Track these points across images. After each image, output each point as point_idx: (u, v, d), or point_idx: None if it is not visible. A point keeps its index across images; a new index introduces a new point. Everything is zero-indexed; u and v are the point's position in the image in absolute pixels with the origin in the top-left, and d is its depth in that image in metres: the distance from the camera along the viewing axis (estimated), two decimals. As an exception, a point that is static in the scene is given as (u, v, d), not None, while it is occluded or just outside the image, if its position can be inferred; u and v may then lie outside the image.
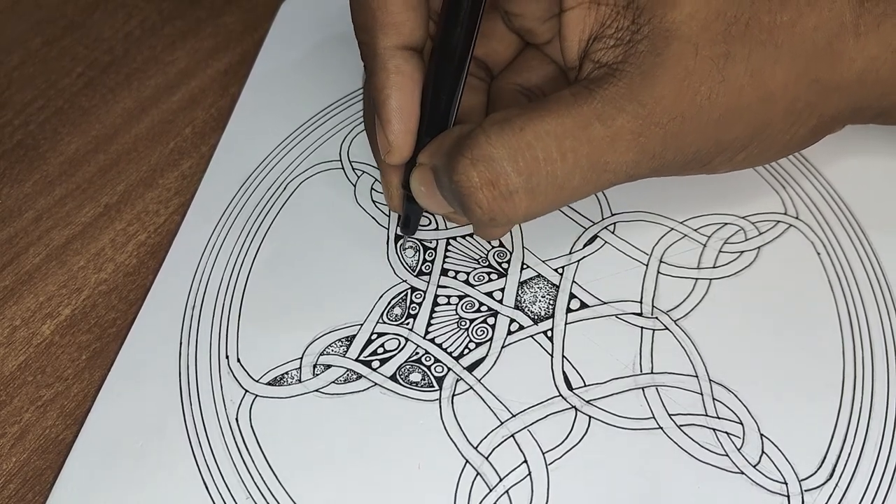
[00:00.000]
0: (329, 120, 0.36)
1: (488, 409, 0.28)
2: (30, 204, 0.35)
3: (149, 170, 0.36)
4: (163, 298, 0.31)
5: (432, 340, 0.30)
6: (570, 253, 0.32)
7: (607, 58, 0.26)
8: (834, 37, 0.26)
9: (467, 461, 0.27)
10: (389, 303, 0.31)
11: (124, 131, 0.37)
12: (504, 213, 0.25)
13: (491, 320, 0.30)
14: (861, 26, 0.26)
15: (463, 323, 0.30)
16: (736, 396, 0.28)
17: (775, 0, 0.25)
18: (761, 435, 0.27)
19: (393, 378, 0.29)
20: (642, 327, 0.30)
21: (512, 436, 0.28)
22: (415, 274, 0.32)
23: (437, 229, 0.33)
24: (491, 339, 0.30)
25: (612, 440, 0.28)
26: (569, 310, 0.30)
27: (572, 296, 0.31)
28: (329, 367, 0.30)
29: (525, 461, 0.27)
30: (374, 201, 0.34)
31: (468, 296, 0.31)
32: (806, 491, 0.26)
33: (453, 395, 0.29)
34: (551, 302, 0.31)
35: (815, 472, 0.27)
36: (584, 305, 0.31)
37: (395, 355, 0.30)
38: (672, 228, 0.32)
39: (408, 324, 0.30)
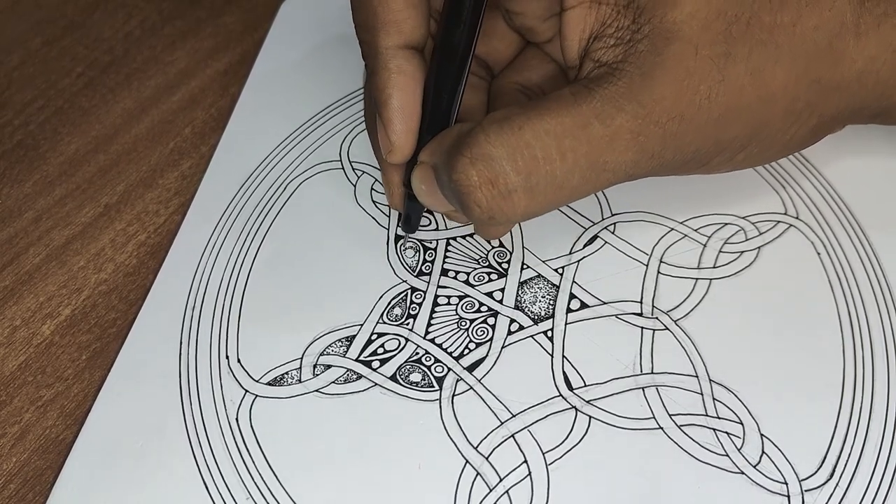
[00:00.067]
0: (329, 120, 0.36)
1: (488, 409, 0.28)
2: (30, 204, 0.35)
3: (149, 170, 0.36)
4: (163, 298, 0.31)
5: (432, 340, 0.30)
6: (571, 253, 0.32)
7: (607, 57, 0.25)
8: (834, 37, 0.26)
9: (467, 461, 0.27)
10: (389, 303, 0.31)
11: (124, 131, 0.37)
12: (503, 212, 0.25)
13: (491, 320, 0.30)
14: (861, 26, 0.26)
15: (463, 323, 0.30)
16: (736, 396, 0.28)
17: (776, 0, 0.25)
18: (761, 435, 0.27)
19: (393, 378, 0.29)
20: (642, 327, 0.30)
21: (512, 436, 0.28)
22: (415, 274, 0.32)
23: (437, 229, 0.33)
24: (491, 339, 0.30)
25: (613, 440, 0.28)
26: (569, 310, 0.30)
27: (572, 296, 0.31)
28: (329, 367, 0.30)
29: (525, 461, 0.27)
30: (374, 201, 0.34)
31: (468, 296, 0.31)
32: (806, 491, 0.26)
33: (453, 395, 0.29)
34: (551, 302, 0.31)
35: (816, 472, 0.27)
36: (584, 305, 0.31)
37: (395, 355, 0.30)
38: (672, 228, 0.32)
39: (408, 324, 0.30)
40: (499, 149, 0.25)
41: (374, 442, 0.28)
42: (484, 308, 0.31)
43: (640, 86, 0.25)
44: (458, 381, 0.29)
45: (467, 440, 0.28)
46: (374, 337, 0.30)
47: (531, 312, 0.30)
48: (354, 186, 0.34)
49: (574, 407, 0.28)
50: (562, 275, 0.31)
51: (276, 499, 0.27)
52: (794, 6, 0.25)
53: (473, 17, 0.27)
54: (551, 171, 0.25)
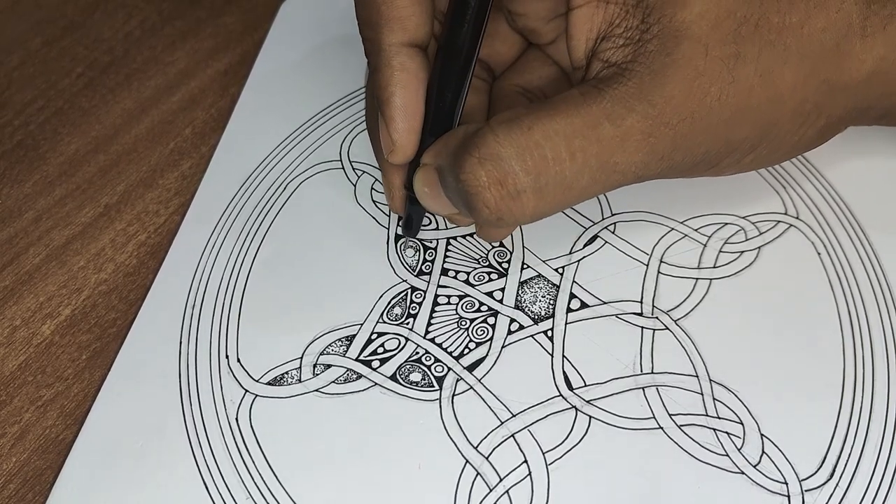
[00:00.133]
0: (329, 120, 0.36)
1: (488, 409, 0.28)
2: (30, 204, 0.35)
3: (149, 170, 0.36)
4: (163, 298, 0.31)
5: (432, 340, 0.30)
6: (571, 253, 0.32)
7: (616, 57, 0.25)
8: (842, 38, 0.26)
9: (467, 461, 0.27)
10: (389, 302, 0.31)
11: (124, 132, 0.37)
12: (512, 212, 0.25)
13: (491, 320, 0.30)
14: (868, 28, 0.26)
15: (463, 323, 0.30)
16: (736, 396, 0.28)
17: (784, 1, 0.25)
18: (761, 435, 0.27)
19: (393, 378, 0.29)
20: (642, 327, 0.30)
21: (512, 436, 0.28)
22: (415, 274, 0.32)
23: (437, 229, 0.33)
24: (491, 338, 0.30)
25: (613, 440, 0.28)
26: (569, 310, 0.30)
27: (572, 296, 0.31)
28: (329, 366, 0.30)
29: (525, 461, 0.27)
30: (374, 201, 0.34)
31: (468, 295, 0.31)
32: (806, 491, 0.26)
33: (453, 395, 0.29)
34: (551, 302, 0.31)
35: (816, 472, 0.27)
36: (584, 305, 0.31)
37: (395, 355, 0.30)
38: (672, 228, 0.32)
39: (408, 323, 0.30)
40: (508, 149, 0.24)
41: (374, 442, 0.28)
42: (484, 308, 0.31)
43: (651, 86, 0.24)
44: (458, 380, 0.29)
45: (467, 440, 0.28)
46: (374, 336, 0.30)
47: (531, 312, 0.30)
48: (354, 186, 0.34)
49: (574, 407, 0.28)
50: (562, 274, 0.31)
51: (275, 499, 0.27)
52: (801, 7, 0.25)
53: (478, 18, 0.26)
54: (561, 172, 0.25)
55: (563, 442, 0.28)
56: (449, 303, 0.31)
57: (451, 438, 0.28)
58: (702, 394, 0.28)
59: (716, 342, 0.29)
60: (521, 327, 0.30)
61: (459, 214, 0.28)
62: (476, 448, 0.28)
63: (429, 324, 0.30)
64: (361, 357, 0.30)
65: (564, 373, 0.29)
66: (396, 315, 0.31)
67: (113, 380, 0.30)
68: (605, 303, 0.31)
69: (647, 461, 0.27)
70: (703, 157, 0.26)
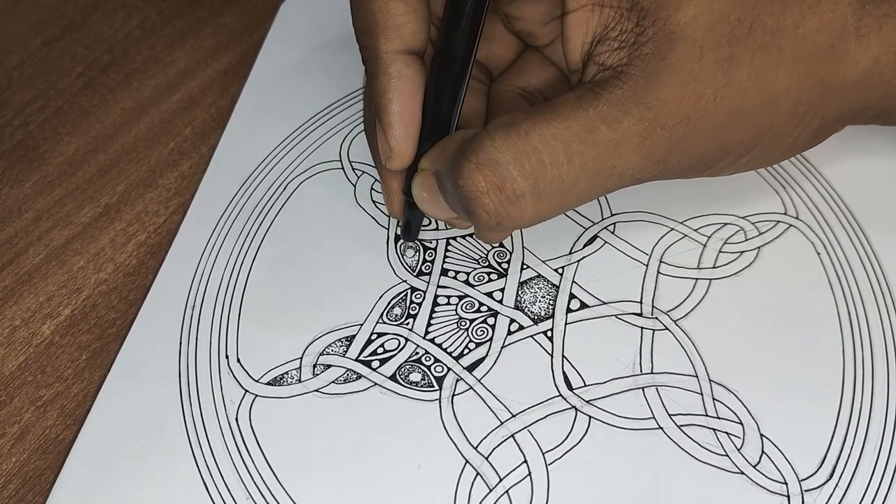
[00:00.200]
0: (329, 120, 0.36)
1: (488, 409, 0.28)
2: (30, 204, 0.35)
3: (149, 170, 0.36)
4: (163, 298, 0.31)
5: (432, 340, 0.30)
6: (570, 253, 0.32)
7: (611, 60, 0.25)
8: (836, 39, 0.26)
9: (467, 461, 0.27)
10: (389, 303, 0.31)
11: (124, 131, 0.37)
12: (510, 217, 0.25)
13: (491, 320, 0.30)
14: (863, 28, 0.26)
15: (463, 323, 0.30)
16: (736, 396, 0.28)
17: (777, 3, 0.25)
18: (761, 435, 0.27)
19: (393, 378, 0.29)
20: (642, 327, 0.30)
21: (512, 436, 0.28)
22: (415, 274, 0.32)
23: (436, 229, 0.33)
24: (491, 339, 0.30)
25: (612, 440, 0.28)
26: (569, 310, 0.30)
27: (572, 296, 0.31)
28: (329, 367, 0.30)
29: (525, 461, 0.27)
30: (374, 201, 0.34)
31: (468, 296, 0.31)
32: (806, 491, 0.26)
33: (453, 395, 0.29)
34: (551, 302, 0.31)
35: (815, 472, 0.27)
36: (584, 305, 0.31)
37: (394, 355, 0.30)
38: (672, 228, 0.32)
39: (408, 324, 0.30)
40: (506, 154, 0.24)
41: (373, 442, 0.28)
42: (484, 308, 0.31)
43: (646, 89, 0.25)
44: (457, 380, 0.29)
45: (467, 440, 0.28)
46: (373, 337, 0.30)
47: (531, 312, 0.30)
48: (354, 186, 0.34)
49: (574, 407, 0.28)
50: (562, 275, 0.31)
51: (275, 499, 0.27)
52: (795, 9, 0.25)
53: (474, 23, 0.26)
54: (559, 176, 0.25)
55: (562, 442, 0.28)
56: (449, 303, 0.31)
57: (450, 438, 0.28)
58: (701, 394, 0.28)
59: (715, 342, 0.29)
60: (521, 327, 0.30)
61: (458, 218, 0.28)
62: (476, 448, 0.28)
63: (428, 324, 0.30)
64: (361, 357, 0.30)
65: (564, 373, 0.29)
66: (396, 315, 0.31)
67: (113, 380, 0.30)
68: (604, 303, 0.31)
69: (646, 461, 0.27)
70: (698, 160, 0.26)
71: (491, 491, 0.27)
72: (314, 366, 0.30)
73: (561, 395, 0.29)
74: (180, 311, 0.31)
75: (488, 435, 0.28)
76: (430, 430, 0.28)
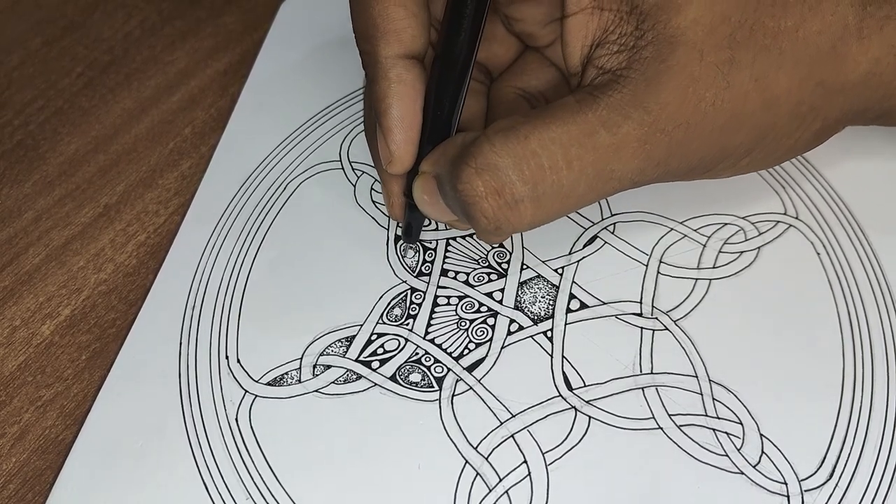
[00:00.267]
0: (329, 120, 0.36)
1: (488, 410, 0.28)
2: (30, 204, 0.35)
3: (149, 170, 0.36)
4: (163, 298, 0.31)
5: (432, 341, 0.30)
6: (570, 253, 0.32)
7: (611, 64, 0.25)
8: (837, 40, 0.26)
9: (467, 461, 0.27)
10: (389, 303, 0.31)
11: (124, 131, 0.37)
12: (509, 221, 0.25)
13: (491, 321, 0.30)
14: (864, 30, 0.26)
15: (463, 323, 0.30)
16: (736, 396, 0.28)
17: (778, 5, 0.25)
18: (761, 435, 0.27)
19: (393, 378, 0.29)
20: (642, 327, 0.30)
21: (512, 436, 0.28)
22: (414, 274, 0.32)
23: (436, 229, 0.33)
24: (491, 339, 0.30)
25: (612, 440, 0.28)
26: (569, 310, 0.30)
27: (572, 296, 0.31)
28: (329, 367, 0.30)
29: (525, 461, 0.27)
30: (374, 202, 0.34)
31: (468, 296, 0.31)
32: (806, 491, 0.26)
33: (453, 396, 0.29)
34: (551, 302, 0.31)
35: (815, 472, 0.27)
36: (583, 306, 0.31)
37: (394, 356, 0.30)
38: (672, 229, 0.32)
39: (408, 324, 0.30)
40: (504, 158, 0.24)
41: (373, 442, 0.28)
42: (484, 308, 0.31)
43: (646, 92, 0.24)
44: (457, 381, 0.29)
45: (467, 440, 0.28)
46: (373, 337, 0.30)
47: (531, 313, 0.30)
48: (354, 186, 0.34)
49: (574, 407, 0.28)
50: (561, 275, 0.31)
51: (275, 499, 0.27)
52: (797, 11, 0.25)
53: (474, 26, 0.26)
54: (558, 181, 0.25)
55: (562, 442, 0.28)
56: (448, 303, 0.31)
57: (450, 439, 0.28)
58: (701, 394, 0.28)
59: (715, 342, 0.29)
60: (521, 328, 0.30)
61: (459, 221, 0.28)
62: (476, 448, 0.28)
63: (428, 324, 0.30)
64: (361, 358, 0.30)
65: (564, 373, 0.29)
66: (396, 316, 0.31)
67: (113, 380, 0.30)
68: (604, 303, 0.31)
69: (646, 461, 0.27)
70: (699, 163, 0.26)
71: (491, 491, 0.27)
72: (314, 366, 0.30)
73: (561, 395, 0.29)
74: (180, 311, 0.31)
75: (488, 435, 0.28)
76: (429, 430, 0.28)
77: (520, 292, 0.31)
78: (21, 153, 0.36)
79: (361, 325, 0.30)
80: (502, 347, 0.30)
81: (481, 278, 0.31)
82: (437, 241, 0.32)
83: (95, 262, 0.33)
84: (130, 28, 0.41)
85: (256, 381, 0.29)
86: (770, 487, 0.27)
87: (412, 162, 0.28)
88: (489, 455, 0.27)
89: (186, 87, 0.38)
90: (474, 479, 0.27)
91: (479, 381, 0.29)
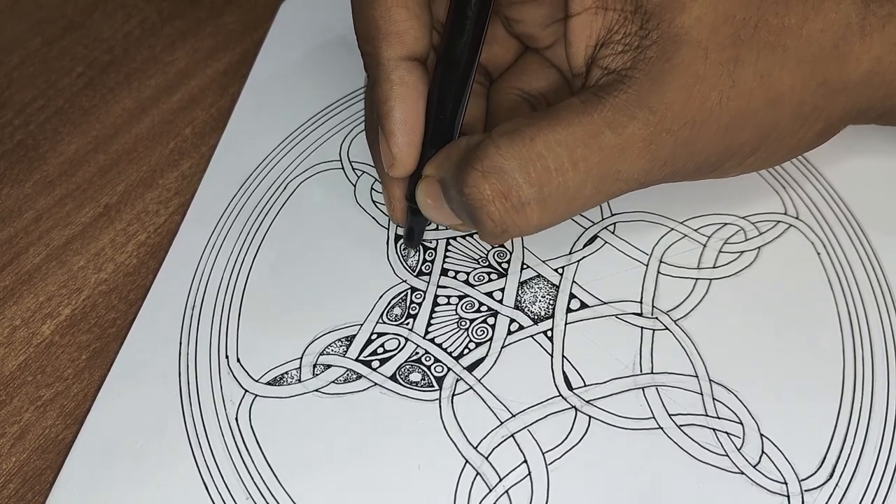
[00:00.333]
0: (329, 120, 0.36)
1: (488, 409, 0.28)
2: (30, 204, 0.35)
3: (149, 170, 0.36)
4: (163, 298, 0.31)
5: (432, 340, 0.30)
6: (570, 253, 0.32)
7: (616, 64, 0.25)
8: (840, 38, 0.26)
9: (467, 461, 0.27)
10: (389, 303, 0.31)
11: (124, 131, 0.37)
12: (516, 224, 0.25)
13: (491, 320, 0.30)
14: (866, 28, 0.26)
15: (463, 323, 0.30)
16: (736, 396, 0.28)
17: (781, 3, 0.25)
18: (761, 435, 0.27)
19: (393, 378, 0.29)
20: (642, 327, 0.30)
21: (512, 436, 0.28)
22: (415, 274, 0.32)
23: (437, 229, 0.33)
24: (491, 339, 0.30)
25: (612, 440, 0.28)
26: (569, 310, 0.30)
27: (572, 296, 0.31)
28: (329, 366, 0.30)
29: (525, 461, 0.27)
30: (374, 201, 0.34)
31: (468, 296, 0.31)
32: (806, 491, 0.26)
33: (453, 395, 0.29)
34: (551, 302, 0.31)
35: (815, 472, 0.27)
36: (584, 305, 0.31)
37: (394, 355, 0.30)
38: (672, 228, 0.32)
39: (408, 324, 0.30)
40: (510, 161, 0.24)
41: (373, 442, 0.28)
42: (484, 308, 0.31)
43: (651, 92, 0.24)
44: (457, 380, 0.29)
45: (467, 440, 0.28)
46: (373, 337, 0.30)
47: (531, 312, 0.30)
48: (354, 186, 0.34)
49: (574, 407, 0.28)
50: (562, 275, 0.31)
51: (275, 499, 0.27)
52: (799, 9, 0.25)
53: (477, 28, 0.26)
54: (564, 182, 0.24)
55: (562, 442, 0.28)
56: (449, 303, 0.31)
57: (450, 438, 0.28)
58: (701, 394, 0.28)
59: (715, 342, 0.29)
60: (521, 327, 0.30)
61: (463, 224, 0.28)
62: (476, 448, 0.28)
63: (428, 324, 0.30)
64: (361, 357, 0.30)
65: (564, 373, 0.29)
66: (396, 315, 0.31)
67: (113, 380, 0.30)
68: (604, 303, 0.31)
69: (646, 461, 0.27)
70: (704, 162, 0.26)
71: (491, 491, 0.27)
72: (314, 366, 0.30)
73: (561, 395, 0.29)
74: (180, 311, 0.31)
75: (488, 435, 0.28)
76: (430, 430, 0.28)
77: (520, 292, 0.31)
78: (21, 153, 0.37)
79: (361, 325, 0.30)
80: (502, 347, 0.30)
81: (481, 278, 0.31)
82: (437, 240, 0.32)
83: (96, 262, 0.33)
84: (130, 28, 0.41)
85: (256, 381, 0.29)
86: (770, 487, 0.27)
87: (414, 165, 0.28)
88: (489, 455, 0.27)
89: (186, 87, 0.38)
90: (474, 478, 0.27)
91: (479, 380, 0.29)
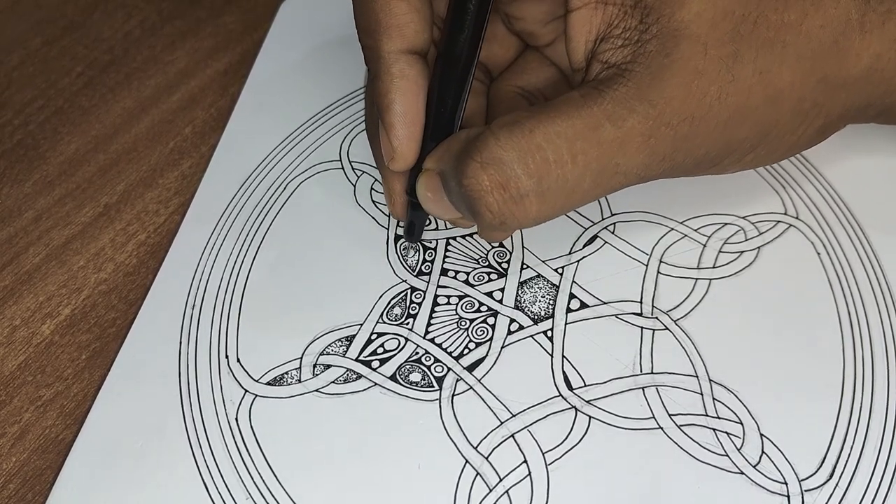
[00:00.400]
0: (329, 120, 0.36)
1: (488, 409, 0.28)
2: (30, 204, 0.35)
3: (149, 170, 0.36)
4: (163, 298, 0.31)
5: (432, 340, 0.30)
6: (570, 253, 0.32)
7: (616, 58, 0.25)
8: (840, 35, 0.26)
9: (467, 461, 0.27)
10: (389, 303, 0.31)
11: (124, 131, 0.37)
12: (514, 216, 0.25)
13: (491, 320, 0.30)
14: (866, 24, 0.26)
15: (463, 323, 0.30)
16: (736, 396, 0.28)
17: None
18: (761, 435, 0.27)
19: (393, 378, 0.29)
20: (642, 327, 0.30)
21: (512, 436, 0.28)
22: (415, 274, 0.32)
23: (437, 229, 0.33)
24: (491, 339, 0.30)
25: (612, 440, 0.28)
26: (569, 310, 0.30)
27: (572, 296, 0.31)
28: (329, 366, 0.30)
29: (525, 461, 0.27)
30: (374, 201, 0.34)
31: (468, 296, 0.31)
32: (806, 491, 0.26)
33: (453, 395, 0.29)
34: (551, 302, 0.31)
35: (815, 472, 0.27)
36: (584, 305, 0.31)
37: (394, 355, 0.30)
38: (672, 228, 0.32)
39: (408, 324, 0.30)
40: (510, 152, 0.24)
41: (373, 442, 0.28)
42: (484, 308, 0.31)
43: (650, 86, 0.24)
44: (457, 380, 0.29)
45: (467, 440, 0.28)
46: (373, 337, 0.30)
47: (531, 312, 0.30)
48: (354, 186, 0.34)
49: (574, 407, 0.28)
50: (562, 275, 0.31)
51: (275, 499, 0.27)
52: (799, 5, 0.25)
53: (477, 23, 0.26)
54: (563, 175, 0.25)
55: (562, 442, 0.28)
56: (449, 303, 0.31)
57: (450, 438, 0.28)
58: (701, 394, 0.28)
59: (715, 342, 0.29)
60: (521, 327, 0.30)
61: (463, 218, 0.28)
62: (476, 448, 0.28)
63: (428, 324, 0.30)
64: (361, 357, 0.30)
65: (564, 373, 0.29)
66: (396, 315, 0.31)
67: (113, 380, 0.30)
68: (604, 303, 0.31)
69: (646, 461, 0.27)
70: (704, 157, 0.26)
71: (491, 491, 0.27)
72: (314, 366, 0.30)
73: (561, 395, 0.29)
74: (180, 310, 0.31)
75: (488, 435, 0.28)
76: (430, 430, 0.28)
77: (520, 292, 0.31)
78: (21, 153, 0.37)
79: (361, 325, 0.30)
80: (502, 347, 0.30)
81: (481, 278, 0.31)
82: (437, 240, 0.32)
83: (95, 262, 0.33)
84: (130, 28, 0.41)
85: (256, 381, 0.29)
86: (770, 487, 0.27)
87: (415, 159, 0.28)
88: (489, 455, 0.27)
89: (186, 87, 0.38)
90: (474, 478, 0.27)
91: (479, 380, 0.29)
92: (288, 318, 0.31)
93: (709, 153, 0.26)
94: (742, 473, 0.27)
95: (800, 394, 0.28)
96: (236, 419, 0.29)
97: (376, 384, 0.29)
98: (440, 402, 0.29)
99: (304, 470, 0.27)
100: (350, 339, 0.30)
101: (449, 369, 0.29)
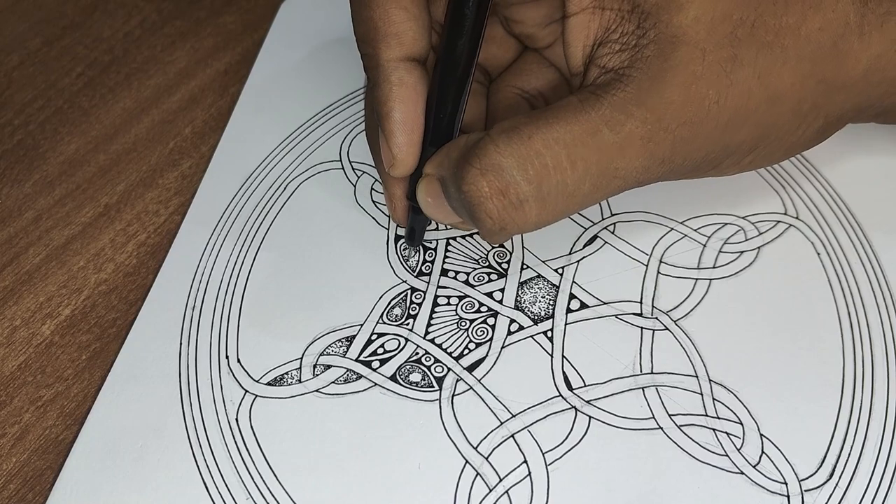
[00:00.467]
0: (329, 120, 0.36)
1: (488, 410, 0.28)
2: (30, 204, 0.35)
3: (149, 170, 0.36)
4: (163, 299, 0.31)
5: (432, 341, 0.30)
6: (570, 253, 0.32)
7: (613, 63, 0.25)
8: (839, 37, 0.26)
9: (467, 461, 0.27)
10: (389, 303, 0.31)
11: (124, 131, 0.37)
12: (514, 222, 0.25)
13: (491, 320, 0.30)
14: (865, 26, 0.26)
15: (463, 323, 0.30)
16: (736, 396, 0.28)
17: (780, 2, 0.25)
18: (761, 435, 0.27)
19: (393, 378, 0.29)
20: (642, 327, 0.30)
21: (512, 436, 0.28)
22: (415, 274, 0.32)
23: (437, 229, 0.33)
24: (491, 339, 0.30)
25: (612, 440, 0.28)
26: (569, 310, 0.30)
27: (572, 296, 0.31)
28: (329, 367, 0.30)
29: (525, 461, 0.27)
30: (374, 201, 0.34)
31: (468, 296, 0.31)
32: (806, 491, 0.27)
33: (453, 396, 0.29)
34: (551, 302, 0.31)
35: (815, 472, 0.27)
36: (584, 306, 0.31)
37: (395, 355, 0.30)
38: (672, 228, 0.32)
39: (408, 324, 0.30)
40: (509, 158, 0.24)
41: (374, 442, 0.28)
42: (484, 308, 0.31)
43: (649, 91, 0.24)
44: (457, 381, 0.29)
45: (467, 440, 0.28)
46: (373, 337, 0.30)
47: (531, 312, 0.30)
48: (354, 186, 0.34)
49: (574, 407, 0.28)
50: (562, 275, 0.31)
51: (275, 499, 0.27)
52: (798, 8, 0.25)
53: (475, 29, 0.26)
54: (562, 180, 0.25)
55: (562, 442, 0.28)
56: (449, 303, 0.31)
57: (450, 439, 0.28)
58: (701, 394, 0.28)
59: (715, 342, 0.29)
60: (521, 328, 0.30)
61: (463, 223, 0.28)
62: (476, 448, 0.28)
63: (429, 324, 0.30)
64: (361, 357, 0.30)
65: (564, 373, 0.29)
66: (396, 315, 0.31)
67: (113, 380, 0.30)
68: (604, 303, 0.31)
69: (646, 461, 0.27)
70: (703, 160, 0.26)
71: (491, 491, 0.27)
72: (314, 366, 0.30)
73: (561, 395, 0.29)
74: (180, 311, 0.31)
75: (488, 435, 0.28)
76: (430, 430, 0.28)
77: (520, 292, 0.31)
78: (21, 153, 0.37)
79: (361, 325, 0.30)
80: (502, 347, 0.30)
81: (481, 278, 0.31)
82: (437, 240, 0.32)
83: (95, 262, 0.33)
84: (130, 28, 0.41)
85: (256, 381, 0.29)
86: (770, 487, 0.27)
87: (414, 165, 0.28)
88: (489, 455, 0.27)
89: (186, 87, 0.38)
90: (474, 479, 0.27)
91: (479, 380, 0.29)
92: (288, 319, 0.31)
93: (708, 156, 0.26)
94: (742, 473, 0.27)
95: (800, 394, 0.28)
96: (236, 419, 0.29)
97: (376, 384, 0.29)
98: (440, 403, 0.29)
99: (305, 470, 0.27)
100: (350, 339, 0.30)
101: (449, 369, 0.29)
